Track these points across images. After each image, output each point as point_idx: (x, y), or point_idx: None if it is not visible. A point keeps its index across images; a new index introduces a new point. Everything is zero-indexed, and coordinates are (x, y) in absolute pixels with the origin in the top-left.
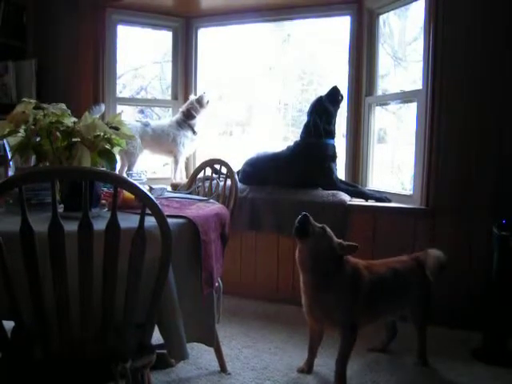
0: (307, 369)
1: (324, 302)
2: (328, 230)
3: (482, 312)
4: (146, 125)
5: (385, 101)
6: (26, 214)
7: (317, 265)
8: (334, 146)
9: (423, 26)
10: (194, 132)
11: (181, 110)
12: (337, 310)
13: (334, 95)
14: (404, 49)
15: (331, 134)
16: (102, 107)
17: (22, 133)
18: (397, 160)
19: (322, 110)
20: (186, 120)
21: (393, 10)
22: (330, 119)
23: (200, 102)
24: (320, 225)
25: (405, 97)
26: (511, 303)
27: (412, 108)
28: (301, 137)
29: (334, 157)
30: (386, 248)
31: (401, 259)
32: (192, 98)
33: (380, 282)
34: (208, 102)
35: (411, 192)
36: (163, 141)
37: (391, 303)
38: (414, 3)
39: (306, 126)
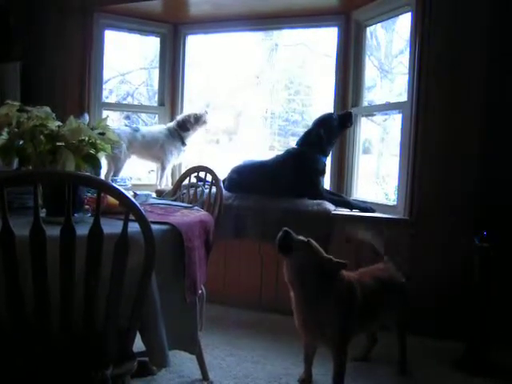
0: (307, 378)
1: (317, 319)
2: (313, 244)
3: (464, 322)
4: (136, 130)
5: (370, 112)
6: (7, 218)
7: (304, 280)
8: (324, 164)
9: (409, 39)
10: (183, 143)
11: (177, 118)
12: (330, 328)
13: (345, 119)
14: (390, 61)
15: (325, 152)
16: (86, 117)
17: (4, 135)
18: (381, 170)
19: (329, 127)
20: (179, 130)
21: (380, 22)
22: (331, 138)
23: (197, 119)
24: (305, 239)
25: (390, 108)
26: (492, 314)
27: (397, 119)
28: (298, 143)
29: (323, 172)
30: (370, 257)
31: (380, 267)
32: (191, 112)
33: (370, 293)
34: (205, 122)
35: (395, 202)
36: (152, 147)
37: (379, 312)
38: (400, 16)
39: (308, 135)
